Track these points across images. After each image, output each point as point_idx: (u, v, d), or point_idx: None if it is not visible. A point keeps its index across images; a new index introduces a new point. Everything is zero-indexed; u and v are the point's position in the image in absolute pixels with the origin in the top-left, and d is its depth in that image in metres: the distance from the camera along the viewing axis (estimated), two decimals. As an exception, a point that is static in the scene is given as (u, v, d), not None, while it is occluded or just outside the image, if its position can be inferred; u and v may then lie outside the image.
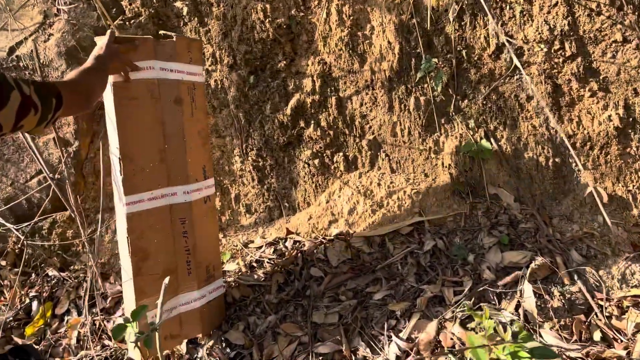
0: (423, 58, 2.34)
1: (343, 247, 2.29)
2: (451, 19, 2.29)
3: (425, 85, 2.39)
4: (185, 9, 2.60)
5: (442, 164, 2.38)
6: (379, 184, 2.43)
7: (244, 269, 2.38)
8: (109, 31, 1.68)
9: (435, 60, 2.33)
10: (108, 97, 1.80)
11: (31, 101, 1.22)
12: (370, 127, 2.51)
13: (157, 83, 1.87)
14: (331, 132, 2.54)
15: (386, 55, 2.40)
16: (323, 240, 2.37)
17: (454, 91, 2.37)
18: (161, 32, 1.93)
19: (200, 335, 2.12)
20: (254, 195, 2.70)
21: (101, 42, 1.66)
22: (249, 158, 2.66)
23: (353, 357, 1.85)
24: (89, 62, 1.57)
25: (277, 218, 2.67)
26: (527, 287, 1.90)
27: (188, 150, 1.95)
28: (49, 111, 1.31)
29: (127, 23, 2.66)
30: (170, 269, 1.94)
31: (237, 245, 2.58)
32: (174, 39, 1.89)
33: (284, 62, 2.55)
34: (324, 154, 2.57)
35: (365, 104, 2.48)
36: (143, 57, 1.81)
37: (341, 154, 2.55)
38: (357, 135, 2.52)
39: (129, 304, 1.89)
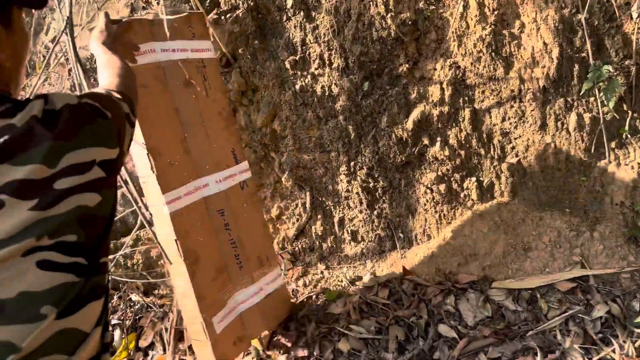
0: (591, 64, 1.84)
1: (480, 301, 1.86)
2: (634, 15, 1.76)
3: (592, 99, 1.88)
4: (289, 2, 2.20)
5: (612, 200, 1.87)
6: (523, 220, 1.96)
7: (352, 315, 2.00)
8: (102, 13, 1.42)
9: (608, 67, 1.81)
10: None
11: (131, 118, 0.98)
12: (513, 148, 2.03)
13: (162, 66, 1.71)
14: (462, 152, 2.08)
15: (540, 59, 1.90)
16: (452, 288, 1.94)
17: (630, 107, 1.85)
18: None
19: (266, 332, 1.96)
20: (361, 221, 2.29)
21: (98, 26, 1.38)
22: (358, 178, 2.25)
23: None
24: (102, 51, 1.27)
25: (388, 250, 2.26)
26: None
27: (211, 135, 1.82)
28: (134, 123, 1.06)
29: (222, 17, 2.30)
30: (220, 267, 1.80)
31: (342, 281, 2.20)
32: (169, 16, 1.75)
33: (406, 65, 2.10)
34: (452, 178, 2.12)
35: (509, 119, 2.01)
36: (141, 39, 1.63)
37: (474, 179, 2.09)
38: (496, 157, 2.05)
39: (191, 310, 1.72)
